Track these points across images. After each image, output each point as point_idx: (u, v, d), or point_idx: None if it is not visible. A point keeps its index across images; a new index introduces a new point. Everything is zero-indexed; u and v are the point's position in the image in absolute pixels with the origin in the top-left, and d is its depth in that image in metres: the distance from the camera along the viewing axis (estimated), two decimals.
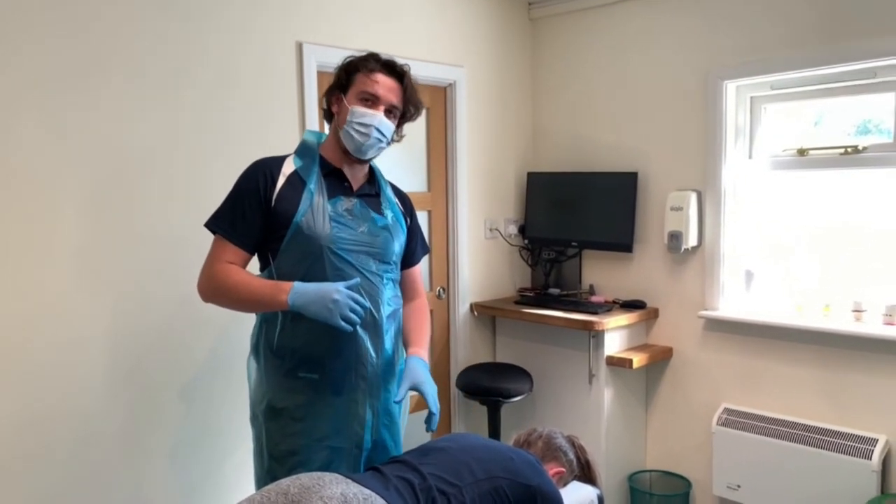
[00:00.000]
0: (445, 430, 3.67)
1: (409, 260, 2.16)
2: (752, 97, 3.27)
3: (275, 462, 1.94)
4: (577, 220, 3.75)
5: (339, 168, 2.00)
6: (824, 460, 2.92)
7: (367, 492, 1.56)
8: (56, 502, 2.40)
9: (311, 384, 1.92)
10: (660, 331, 3.57)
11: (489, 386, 3.38)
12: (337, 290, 1.80)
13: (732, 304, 3.33)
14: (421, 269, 2.28)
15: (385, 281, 2.00)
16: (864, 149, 2.98)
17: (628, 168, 3.60)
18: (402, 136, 2.09)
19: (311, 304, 1.80)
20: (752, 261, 3.35)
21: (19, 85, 2.27)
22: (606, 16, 3.66)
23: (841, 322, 3.01)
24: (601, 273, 3.79)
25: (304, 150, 2.00)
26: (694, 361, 3.46)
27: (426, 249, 2.29)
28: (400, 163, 3.31)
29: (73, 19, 2.36)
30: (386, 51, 2.10)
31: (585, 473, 2.11)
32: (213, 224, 1.94)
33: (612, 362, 3.36)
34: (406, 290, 2.15)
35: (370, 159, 2.03)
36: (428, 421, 1.91)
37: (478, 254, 3.80)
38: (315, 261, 1.89)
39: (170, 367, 2.64)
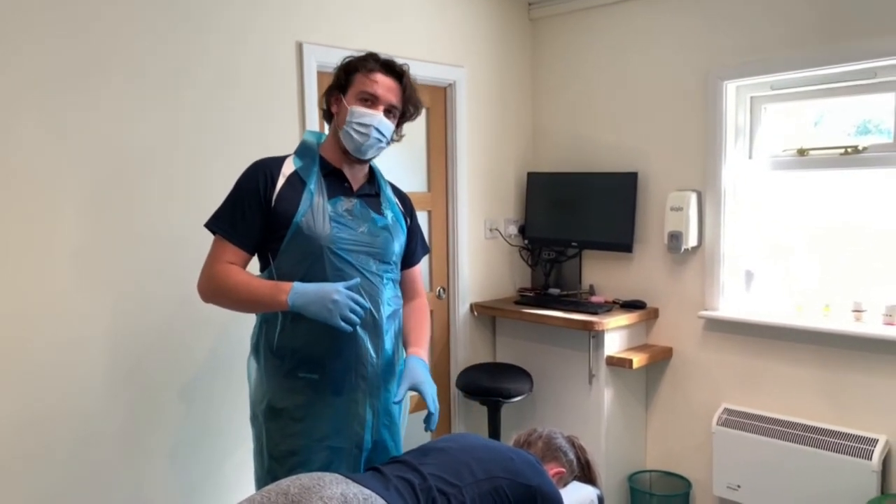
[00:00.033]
0: (445, 431, 3.68)
1: (409, 260, 2.16)
2: (752, 97, 3.27)
3: (275, 462, 1.94)
4: (577, 221, 3.75)
5: (339, 168, 2.00)
6: (824, 460, 2.92)
7: (368, 492, 1.56)
8: (56, 502, 2.40)
9: (311, 384, 1.92)
10: (660, 331, 3.57)
11: (489, 386, 3.38)
12: (337, 291, 1.80)
13: (732, 304, 3.33)
14: (421, 269, 2.28)
15: (385, 281, 2.00)
16: (864, 149, 2.98)
17: (628, 168, 3.60)
18: (401, 136, 2.09)
19: (310, 304, 1.80)
20: (752, 261, 3.35)
21: (19, 85, 2.27)
22: (606, 16, 3.66)
23: (841, 322, 3.01)
24: (601, 273, 3.79)
25: (303, 151, 2.00)
26: (694, 361, 3.46)
27: (426, 249, 2.29)
28: (400, 163, 3.31)
29: (73, 19, 2.36)
30: (386, 51, 2.10)
31: (585, 474, 2.11)
32: (213, 224, 1.94)
33: (612, 362, 3.36)
34: (406, 290, 2.15)
35: (370, 159, 2.03)
36: (427, 421, 1.91)
37: (478, 254, 3.80)
38: (315, 261, 1.89)
39: (170, 367, 2.64)
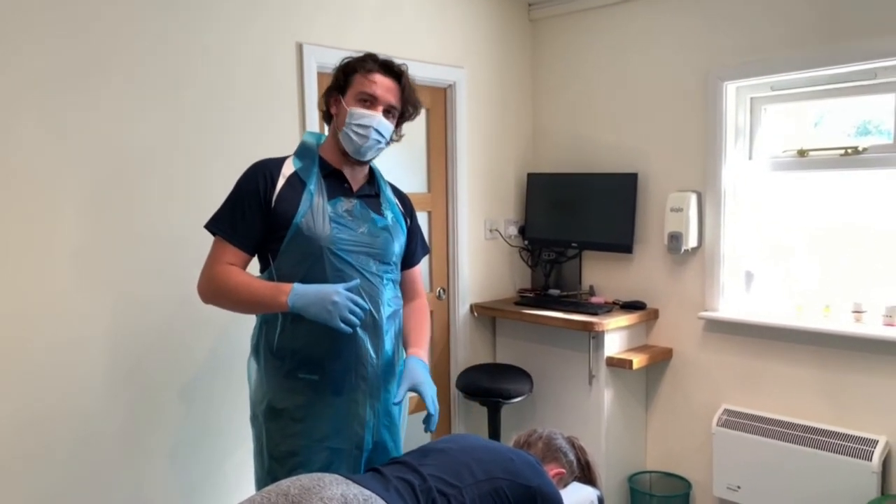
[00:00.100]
0: (445, 431, 3.67)
1: (409, 260, 2.16)
2: (752, 98, 3.27)
3: (275, 462, 1.94)
4: (577, 221, 3.75)
5: (339, 169, 2.00)
6: (824, 461, 2.92)
7: (368, 493, 1.56)
8: (56, 502, 2.40)
9: (311, 385, 1.92)
10: (660, 332, 3.57)
11: (489, 387, 3.38)
12: (336, 292, 1.80)
13: (732, 304, 3.33)
14: (421, 269, 2.28)
15: (385, 282, 2.00)
16: (865, 150, 2.98)
17: (628, 169, 3.60)
18: (401, 136, 2.09)
19: (310, 305, 1.80)
20: (752, 262, 3.35)
21: (19, 85, 2.27)
22: (606, 16, 3.66)
23: (841, 323, 3.01)
24: (601, 274, 3.79)
25: (303, 152, 2.00)
26: (694, 362, 3.45)
27: (426, 250, 2.29)
28: (400, 163, 3.31)
29: (73, 19, 2.36)
30: (386, 52, 2.09)
31: (585, 474, 2.11)
32: (213, 225, 1.93)
33: (612, 363, 3.36)
34: (406, 291, 2.15)
35: (369, 160, 2.03)
36: (427, 422, 1.91)
37: (478, 254, 3.80)
38: (315, 262, 1.89)
39: (170, 367, 2.64)
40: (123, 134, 2.49)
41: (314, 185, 1.93)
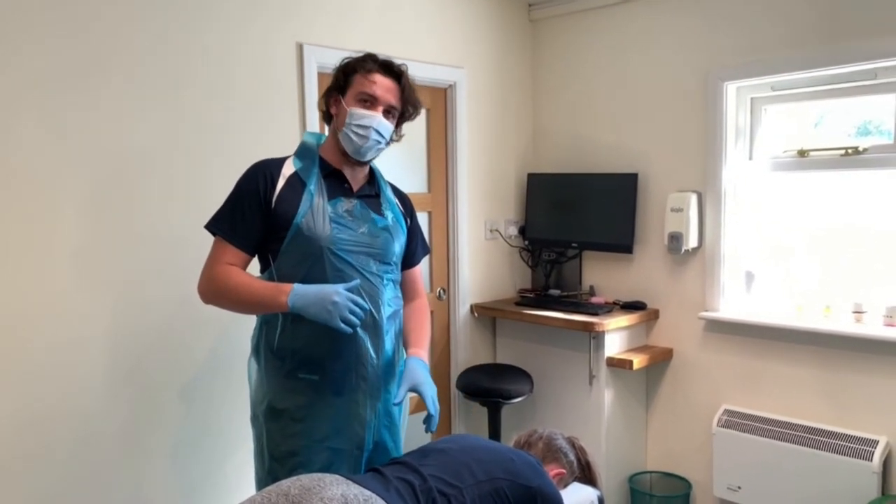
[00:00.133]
0: (446, 432, 3.67)
1: (409, 260, 2.16)
2: (752, 98, 3.27)
3: (276, 463, 1.94)
4: (578, 222, 3.74)
5: (339, 169, 2.00)
6: (825, 462, 2.92)
7: (368, 493, 1.56)
8: (56, 502, 2.39)
9: (311, 385, 1.92)
10: (660, 332, 3.57)
11: (489, 387, 3.38)
12: (336, 292, 1.80)
13: (733, 305, 3.33)
14: (421, 269, 2.28)
15: (385, 282, 2.00)
16: (865, 150, 2.98)
17: (628, 169, 3.60)
18: (401, 136, 2.09)
19: (310, 305, 1.80)
20: (752, 262, 3.35)
21: (19, 85, 2.26)
22: (607, 17, 3.66)
23: (841, 323, 3.01)
24: (601, 274, 3.79)
25: (303, 152, 2.00)
26: (694, 363, 3.45)
27: (426, 250, 2.29)
28: (400, 164, 3.31)
29: (73, 19, 2.36)
30: (387, 52, 2.09)
31: (586, 475, 2.11)
32: (214, 226, 1.93)
33: (613, 363, 3.36)
34: (406, 291, 2.15)
35: (369, 160, 2.03)
36: (427, 422, 1.91)
37: (478, 255, 3.80)
38: (315, 262, 1.89)
39: (170, 367, 2.64)
40: (123, 134, 2.49)
41: (314, 186, 1.93)
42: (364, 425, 1.96)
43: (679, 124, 3.43)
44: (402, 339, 2.09)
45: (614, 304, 3.62)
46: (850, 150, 3.01)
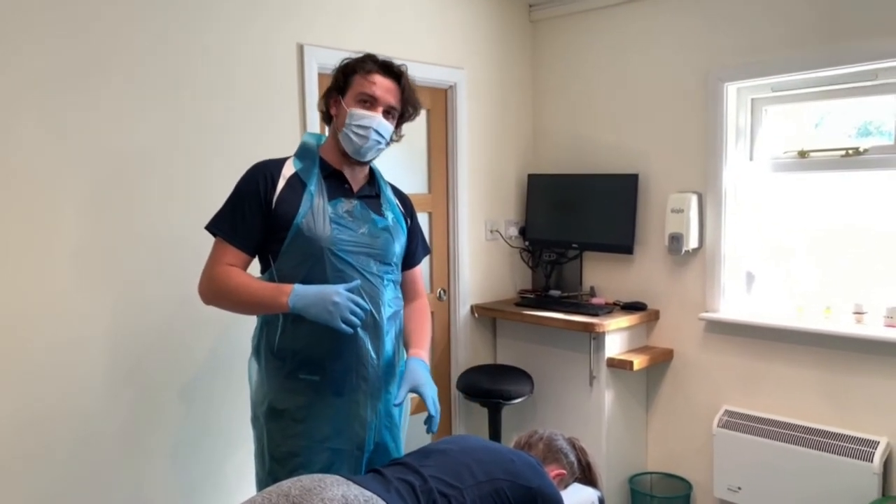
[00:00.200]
0: (446, 432, 3.67)
1: (409, 261, 2.16)
2: (752, 99, 3.27)
3: (276, 463, 1.93)
4: (578, 222, 3.74)
5: (339, 170, 2.00)
6: (825, 462, 2.91)
7: (369, 494, 1.56)
8: (56, 502, 2.39)
9: (312, 386, 1.92)
10: (660, 333, 3.57)
11: (490, 388, 3.37)
12: (337, 293, 1.80)
13: (733, 306, 3.33)
14: (421, 270, 2.28)
15: (386, 282, 2.00)
16: (865, 151, 2.98)
17: (629, 170, 3.60)
18: (400, 137, 2.09)
19: (311, 306, 1.80)
20: (752, 263, 3.35)
21: (19, 85, 2.26)
22: (607, 17, 3.66)
23: (842, 324, 3.01)
24: (602, 275, 3.79)
25: (303, 153, 2.00)
26: (695, 363, 3.45)
27: (427, 250, 2.28)
28: (400, 164, 3.31)
29: (73, 19, 2.36)
30: (386, 53, 2.09)
31: (586, 475, 2.11)
32: (214, 226, 1.93)
33: (613, 364, 3.35)
34: (407, 292, 2.15)
35: (370, 161, 2.03)
36: (428, 423, 1.91)
37: (478, 255, 3.80)
38: (316, 262, 1.89)
39: (170, 367, 2.64)
40: (123, 134, 2.49)
41: (314, 186, 1.92)
42: (365, 426, 1.96)
43: (679, 125, 3.42)
44: (403, 339, 2.09)
45: (615, 304, 3.62)
46: (850, 151, 3.01)
